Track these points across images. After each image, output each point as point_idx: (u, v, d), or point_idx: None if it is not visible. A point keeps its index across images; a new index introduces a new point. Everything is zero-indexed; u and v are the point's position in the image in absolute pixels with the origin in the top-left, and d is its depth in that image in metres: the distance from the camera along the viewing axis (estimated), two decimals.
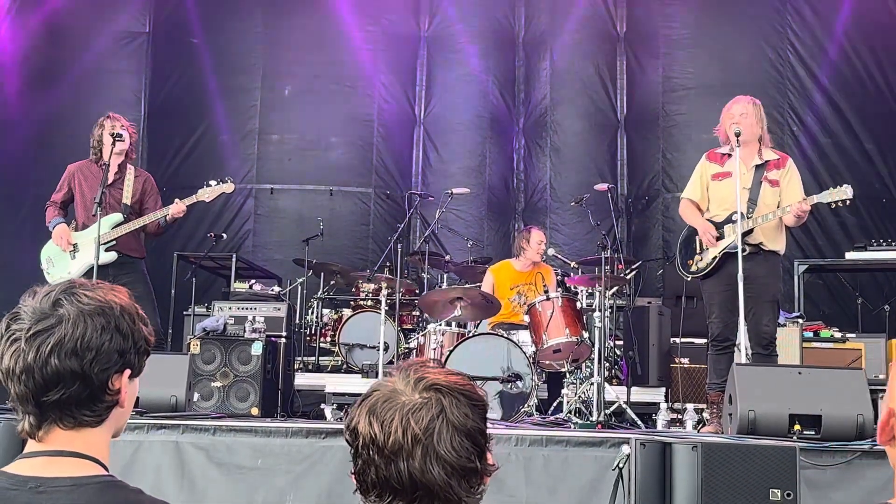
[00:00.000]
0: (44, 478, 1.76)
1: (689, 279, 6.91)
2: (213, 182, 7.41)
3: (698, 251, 6.73)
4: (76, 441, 1.82)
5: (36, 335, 1.78)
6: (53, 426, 1.82)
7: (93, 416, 1.83)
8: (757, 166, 6.59)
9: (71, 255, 7.18)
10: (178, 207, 7.22)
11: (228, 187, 7.46)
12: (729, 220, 6.53)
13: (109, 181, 7.15)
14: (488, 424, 1.86)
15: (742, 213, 6.42)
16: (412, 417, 1.75)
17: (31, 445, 1.83)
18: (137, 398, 5.84)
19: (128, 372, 1.87)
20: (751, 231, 6.42)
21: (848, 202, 6.43)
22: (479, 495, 1.81)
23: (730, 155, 6.68)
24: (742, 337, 6.22)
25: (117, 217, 7.18)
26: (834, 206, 6.52)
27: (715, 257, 6.54)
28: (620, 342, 9.42)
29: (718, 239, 6.56)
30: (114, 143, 7.11)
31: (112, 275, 6.95)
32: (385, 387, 1.82)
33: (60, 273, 7.14)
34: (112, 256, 7.12)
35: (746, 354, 6.20)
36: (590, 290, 8.40)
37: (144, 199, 7.39)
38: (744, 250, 6.29)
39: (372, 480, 1.77)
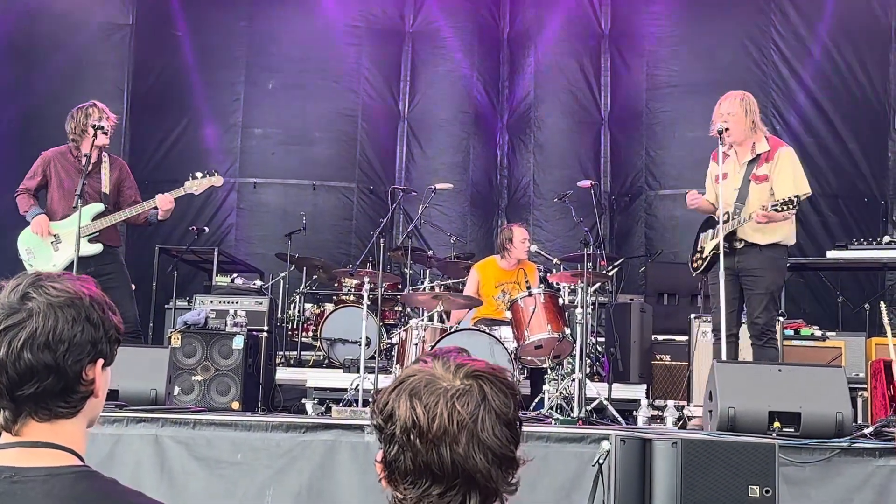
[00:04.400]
0: (19, 468, 1.76)
1: (693, 275, 7.09)
2: (199, 174, 7.34)
3: (698, 248, 6.91)
4: (52, 433, 1.81)
5: (6, 330, 1.77)
6: (29, 419, 1.81)
7: (68, 408, 1.82)
8: (748, 162, 6.57)
9: (53, 246, 7.04)
10: (165, 198, 7.10)
11: (217, 180, 7.40)
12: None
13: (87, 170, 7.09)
14: None
15: (729, 214, 6.52)
16: (457, 402, 1.72)
17: (5, 437, 1.82)
18: (117, 391, 5.81)
19: (101, 361, 1.86)
20: (734, 231, 6.50)
21: (798, 200, 6.21)
22: (513, 486, 1.78)
23: (727, 154, 6.71)
24: (722, 330, 6.38)
25: (98, 207, 7.09)
26: (790, 206, 6.22)
27: (706, 256, 6.68)
28: (602, 339, 9.43)
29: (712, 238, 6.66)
30: (95, 135, 7.02)
31: (94, 265, 6.89)
32: (422, 372, 1.78)
33: (44, 265, 6.96)
34: (98, 248, 7.03)
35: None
36: (572, 287, 8.40)
37: (121, 187, 7.30)
38: (733, 248, 6.46)
39: (407, 467, 1.73)
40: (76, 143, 7.14)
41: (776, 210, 6.21)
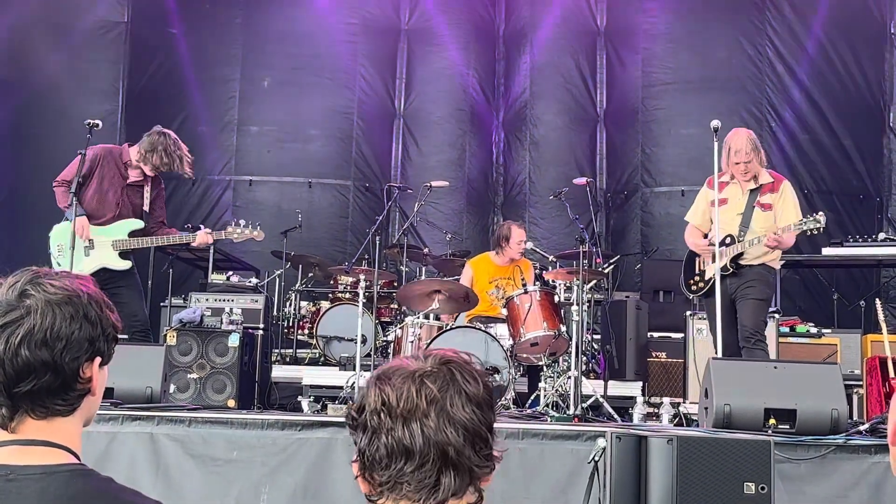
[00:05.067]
0: (14, 466, 1.75)
1: (691, 297, 7.34)
2: (242, 222, 7.43)
3: (696, 272, 7.06)
4: (48, 430, 1.81)
5: (4, 327, 1.77)
6: (25, 416, 1.80)
7: (65, 405, 1.82)
8: (751, 191, 6.84)
9: (85, 251, 6.95)
10: (206, 238, 7.21)
11: (259, 235, 7.47)
12: (723, 243, 6.74)
13: (129, 181, 7.09)
14: None
15: (733, 236, 6.75)
16: (426, 380, 1.75)
17: (1, 435, 1.82)
18: (112, 389, 5.80)
19: (98, 360, 1.86)
20: (741, 254, 6.74)
21: (821, 230, 6.62)
22: (487, 469, 1.79)
23: (727, 183, 6.91)
24: (719, 344, 6.52)
25: (138, 223, 7.11)
26: (810, 233, 6.69)
27: (710, 278, 6.78)
28: (598, 336, 9.43)
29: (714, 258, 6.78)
30: (91, 132, 6.98)
31: (109, 275, 6.89)
32: (393, 364, 1.83)
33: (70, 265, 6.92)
34: (127, 265, 7.05)
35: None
36: (568, 284, 8.40)
37: (153, 206, 7.30)
38: (735, 269, 6.72)
39: (380, 453, 1.74)
40: (143, 159, 7.08)
41: (799, 230, 6.60)
